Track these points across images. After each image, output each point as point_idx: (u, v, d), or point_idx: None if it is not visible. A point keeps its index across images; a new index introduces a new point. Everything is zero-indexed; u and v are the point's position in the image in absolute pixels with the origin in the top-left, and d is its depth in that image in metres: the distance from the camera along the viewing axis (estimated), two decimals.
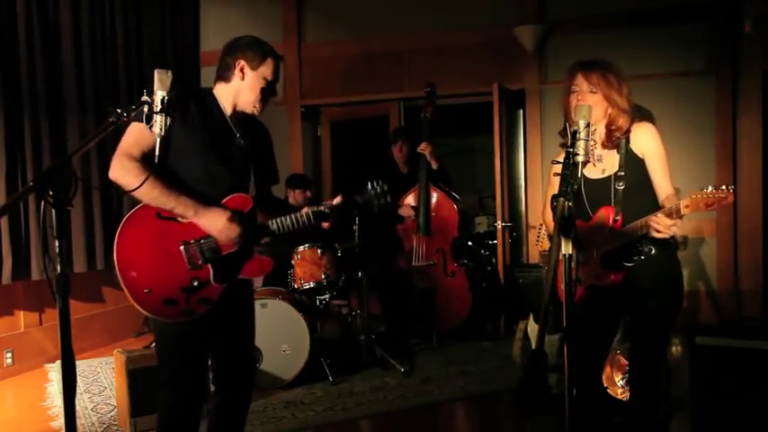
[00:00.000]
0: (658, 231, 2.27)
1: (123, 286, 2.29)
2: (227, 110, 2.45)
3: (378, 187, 2.54)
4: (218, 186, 2.38)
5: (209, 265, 2.34)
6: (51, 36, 4.92)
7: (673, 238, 2.47)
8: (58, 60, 4.98)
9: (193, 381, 2.40)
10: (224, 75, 2.45)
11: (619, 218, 2.44)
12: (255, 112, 2.45)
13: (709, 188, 2.19)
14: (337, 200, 2.49)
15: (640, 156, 2.48)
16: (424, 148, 5.19)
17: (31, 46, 4.74)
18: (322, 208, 2.47)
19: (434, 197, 5.29)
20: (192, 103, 2.37)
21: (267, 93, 2.46)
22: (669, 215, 2.24)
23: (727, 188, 2.15)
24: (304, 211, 2.45)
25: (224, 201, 2.38)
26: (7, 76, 4.60)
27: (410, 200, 5.34)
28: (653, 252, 2.45)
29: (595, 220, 2.51)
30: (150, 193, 2.25)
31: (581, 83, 2.49)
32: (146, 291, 2.28)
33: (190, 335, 2.36)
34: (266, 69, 2.44)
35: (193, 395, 2.41)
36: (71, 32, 5.06)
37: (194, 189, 2.34)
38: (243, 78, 2.43)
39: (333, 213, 2.48)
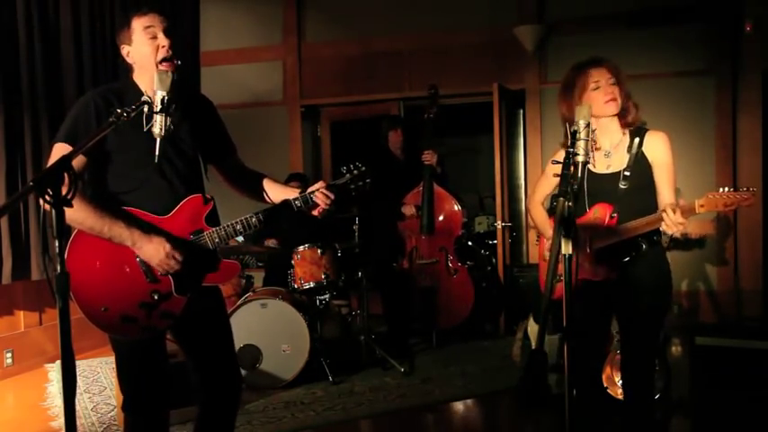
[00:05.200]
0: (667, 226, 2.26)
1: (78, 305, 2.13)
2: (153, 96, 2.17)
3: (355, 170, 2.33)
4: (170, 182, 2.21)
5: (170, 276, 2.18)
6: (51, 36, 4.91)
7: (662, 235, 2.50)
8: (58, 60, 4.97)
9: (158, 396, 2.28)
10: (128, 68, 2.28)
11: (615, 215, 2.45)
12: (165, 68, 2.15)
13: (726, 189, 2.18)
14: (292, 196, 2.28)
15: (650, 161, 2.48)
16: (429, 158, 5.13)
17: (31, 46, 4.73)
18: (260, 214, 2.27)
19: (439, 197, 5.26)
20: (117, 105, 2.13)
21: (162, 50, 2.20)
22: (682, 212, 2.22)
23: (748, 189, 2.15)
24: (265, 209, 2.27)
25: (178, 208, 2.21)
26: (7, 76, 4.59)
27: (413, 198, 5.31)
28: (644, 248, 2.47)
29: (590, 215, 2.51)
30: (85, 222, 2.09)
31: (601, 76, 2.47)
32: (102, 309, 2.16)
33: (151, 349, 2.24)
34: (138, 37, 2.21)
35: (158, 411, 2.29)
36: (71, 32, 5.05)
37: (147, 196, 2.19)
38: (132, 59, 2.25)
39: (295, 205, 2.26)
